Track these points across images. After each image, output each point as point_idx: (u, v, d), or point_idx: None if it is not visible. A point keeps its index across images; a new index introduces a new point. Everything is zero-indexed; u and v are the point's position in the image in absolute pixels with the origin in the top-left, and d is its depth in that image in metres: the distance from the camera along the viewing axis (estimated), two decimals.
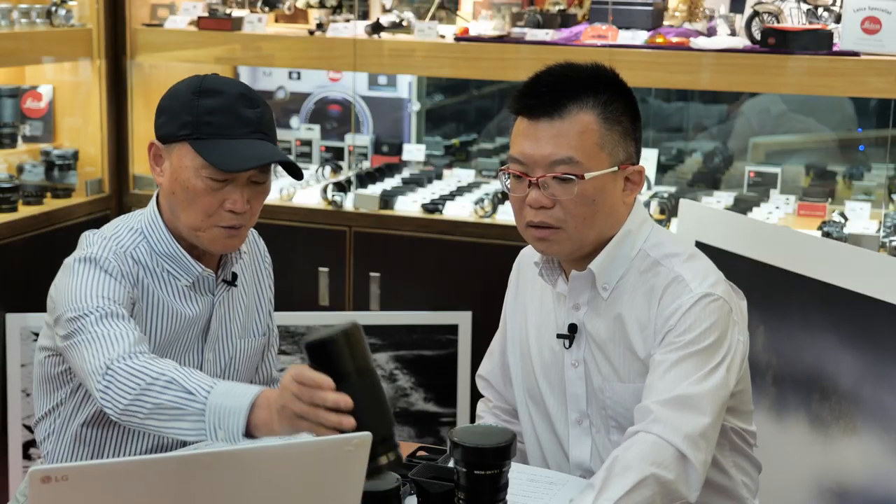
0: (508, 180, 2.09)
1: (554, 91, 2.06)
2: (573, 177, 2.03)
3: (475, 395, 2.53)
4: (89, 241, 2.19)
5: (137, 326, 2.10)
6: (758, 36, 3.61)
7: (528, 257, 2.28)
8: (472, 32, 3.98)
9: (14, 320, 3.63)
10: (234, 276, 2.28)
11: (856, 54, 3.45)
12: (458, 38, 3.94)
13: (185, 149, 2.12)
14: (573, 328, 2.15)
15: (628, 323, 2.10)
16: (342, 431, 1.68)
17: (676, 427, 1.94)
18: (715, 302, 2.04)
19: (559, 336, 2.17)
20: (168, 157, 2.16)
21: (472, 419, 3.41)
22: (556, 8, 4.00)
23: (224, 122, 2.12)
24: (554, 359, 2.20)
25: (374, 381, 1.72)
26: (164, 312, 2.21)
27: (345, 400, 1.69)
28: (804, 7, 3.69)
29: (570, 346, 2.16)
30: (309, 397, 1.71)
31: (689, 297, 2.03)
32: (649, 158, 4.13)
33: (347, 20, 4.11)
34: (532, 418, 2.28)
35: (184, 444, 2.23)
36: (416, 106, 4.55)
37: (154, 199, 2.24)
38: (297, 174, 2.20)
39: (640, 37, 3.72)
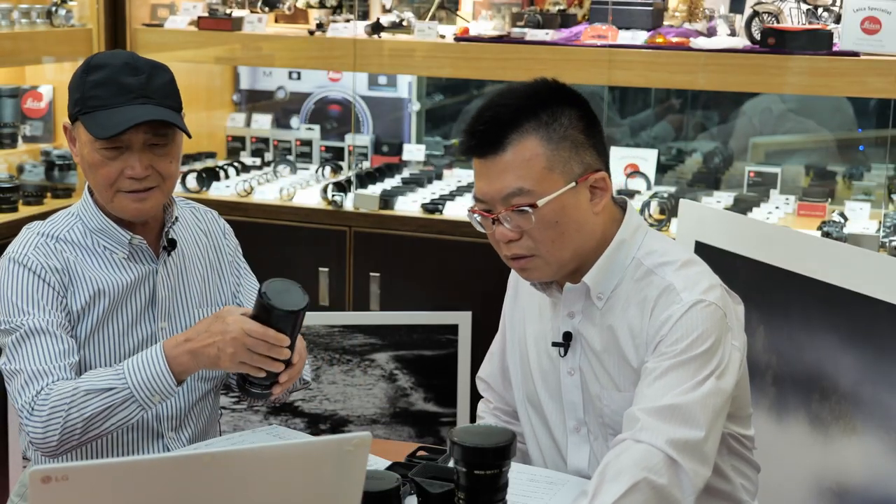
0: (479, 219, 2.10)
1: (491, 126, 2.05)
2: (527, 208, 2.02)
3: (475, 396, 2.53)
4: (19, 235, 2.29)
5: (61, 338, 2.18)
6: (758, 36, 3.61)
7: None
8: (472, 32, 3.98)
9: None
10: (173, 242, 2.32)
11: (856, 54, 3.45)
12: (458, 38, 3.95)
13: (80, 125, 2.22)
14: (567, 336, 2.15)
15: (621, 333, 2.09)
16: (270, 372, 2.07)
17: (664, 434, 1.91)
18: (707, 308, 2.01)
19: (554, 344, 2.16)
20: (76, 135, 2.26)
21: (472, 419, 3.41)
22: (556, 8, 4.00)
23: (106, 94, 2.19)
24: (552, 366, 2.20)
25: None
26: (99, 283, 2.25)
27: (287, 353, 2.06)
28: (804, 7, 3.69)
29: (565, 353, 2.16)
30: (266, 350, 2.03)
31: (680, 306, 2.01)
32: (649, 158, 4.13)
33: (347, 20, 4.11)
34: (532, 423, 2.28)
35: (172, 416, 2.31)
36: (416, 106, 4.55)
37: (87, 183, 2.33)
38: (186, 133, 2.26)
39: (640, 37, 3.72)
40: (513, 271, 2.34)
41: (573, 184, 2.04)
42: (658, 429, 1.92)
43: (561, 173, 2.03)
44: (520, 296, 2.30)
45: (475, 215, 2.10)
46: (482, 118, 2.08)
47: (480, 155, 2.07)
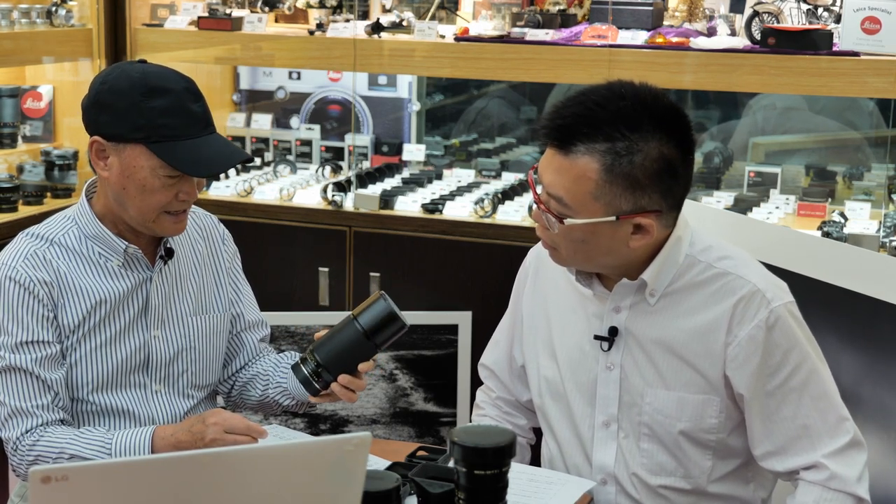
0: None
1: (568, 125, 1.99)
2: (554, 218, 2.01)
3: (475, 395, 2.53)
4: (12, 242, 2.27)
5: (38, 375, 2.18)
6: (758, 36, 3.61)
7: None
8: (472, 32, 3.98)
9: None
10: (170, 251, 2.31)
11: (856, 54, 3.45)
12: (458, 38, 3.95)
13: (140, 150, 2.16)
14: (613, 331, 2.13)
15: (683, 331, 2.08)
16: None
17: (849, 478, 2.08)
18: (791, 306, 2.09)
19: (598, 338, 2.14)
20: (116, 154, 2.18)
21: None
22: (556, 8, 4.00)
23: (177, 123, 2.16)
24: (583, 359, 2.17)
25: (365, 346, 2.11)
26: (94, 295, 2.24)
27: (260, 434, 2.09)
28: (804, 7, 3.69)
29: (609, 348, 2.14)
30: (243, 441, 2.06)
31: (767, 312, 2.06)
32: None
33: (347, 20, 4.11)
34: (549, 416, 2.26)
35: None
36: (416, 106, 4.55)
37: (85, 188, 2.30)
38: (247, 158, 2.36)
39: (640, 37, 3.72)
40: (531, 258, 2.32)
41: (613, 218, 1.99)
42: (842, 474, 2.08)
43: (605, 204, 1.98)
44: (540, 283, 2.28)
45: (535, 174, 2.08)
46: (566, 111, 2.01)
47: (547, 143, 2.03)
